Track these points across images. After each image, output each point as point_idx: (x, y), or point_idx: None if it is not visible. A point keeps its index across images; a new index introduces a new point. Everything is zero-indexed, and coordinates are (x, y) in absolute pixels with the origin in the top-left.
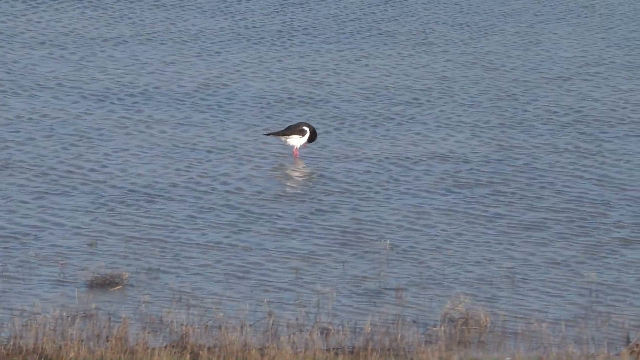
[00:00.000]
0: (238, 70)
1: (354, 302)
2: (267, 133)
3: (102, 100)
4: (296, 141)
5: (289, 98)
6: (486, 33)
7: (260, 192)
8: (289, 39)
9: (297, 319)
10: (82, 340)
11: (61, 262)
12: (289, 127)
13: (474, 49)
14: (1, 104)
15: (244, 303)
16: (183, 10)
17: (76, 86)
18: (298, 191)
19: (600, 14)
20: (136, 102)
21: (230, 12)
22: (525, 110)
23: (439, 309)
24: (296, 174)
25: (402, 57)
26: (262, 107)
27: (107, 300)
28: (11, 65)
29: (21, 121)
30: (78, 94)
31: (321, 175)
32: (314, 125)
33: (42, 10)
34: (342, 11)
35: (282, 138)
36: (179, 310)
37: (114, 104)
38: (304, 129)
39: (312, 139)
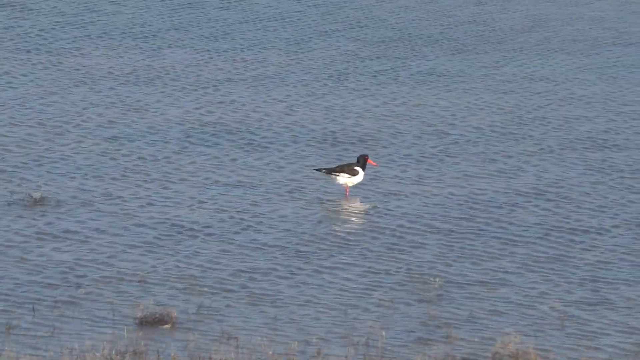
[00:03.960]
0: (288, 108)
1: (403, 340)
2: (316, 168)
3: (149, 137)
4: (344, 180)
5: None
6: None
7: (308, 231)
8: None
9: (346, 357)
10: None
11: (110, 299)
12: (340, 165)
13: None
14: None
15: (293, 341)
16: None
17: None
18: (348, 229)
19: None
20: (177, 139)
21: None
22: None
23: (490, 347)
24: (347, 211)
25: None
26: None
27: (156, 338)
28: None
29: (67, 157)
30: (132, 133)
31: (372, 213)
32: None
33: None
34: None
35: (332, 175)
36: (228, 348)
37: (157, 141)
38: (356, 169)
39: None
